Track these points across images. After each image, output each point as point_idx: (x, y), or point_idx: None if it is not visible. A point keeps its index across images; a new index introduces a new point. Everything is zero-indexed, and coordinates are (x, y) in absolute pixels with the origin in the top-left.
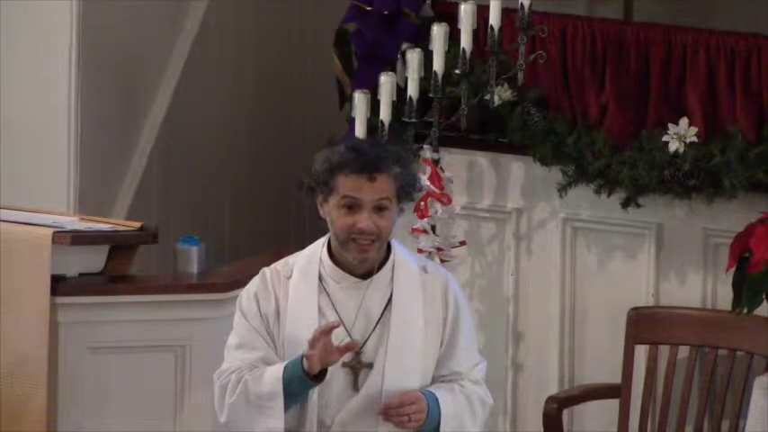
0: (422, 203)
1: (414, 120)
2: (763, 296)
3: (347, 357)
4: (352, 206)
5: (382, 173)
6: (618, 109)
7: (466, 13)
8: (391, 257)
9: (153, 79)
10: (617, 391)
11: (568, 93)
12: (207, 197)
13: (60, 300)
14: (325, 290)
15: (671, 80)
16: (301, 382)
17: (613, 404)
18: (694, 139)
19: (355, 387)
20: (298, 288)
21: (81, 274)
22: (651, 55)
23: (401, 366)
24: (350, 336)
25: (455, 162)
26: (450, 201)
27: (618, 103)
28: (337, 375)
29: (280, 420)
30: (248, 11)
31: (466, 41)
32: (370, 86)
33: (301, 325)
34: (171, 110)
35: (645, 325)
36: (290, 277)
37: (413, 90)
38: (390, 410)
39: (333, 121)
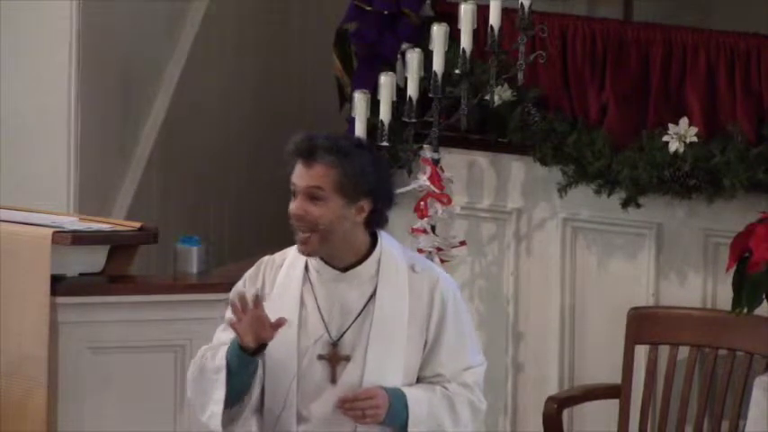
0: (422, 203)
1: (414, 120)
2: (763, 296)
3: (324, 350)
4: (294, 193)
5: (317, 161)
6: (618, 109)
7: (466, 13)
8: (376, 252)
9: (153, 79)
10: (617, 391)
11: (568, 93)
12: (207, 197)
13: (60, 300)
14: (309, 280)
15: (671, 80)
16: (238, 357)
17: (613, 404)
18: (694, 139)
19: (333, 380)
20: (285, 276)
21: (81, 274)
22: (651, 55)
23: (382, 362)
24: (326, 328)
25: (455, 162)
26: (450, 201)
27: (618, 103)
28: (315, 367)
29: (221, 392)
30: (248, 11)
31: (466, 41)
32: (370, 86)
33: (282, 312)
34: (171, 110)
35: (645, 325)
36: (281, 265)
37: (413, 90)
38: (345, 404)
39: (333, 121)
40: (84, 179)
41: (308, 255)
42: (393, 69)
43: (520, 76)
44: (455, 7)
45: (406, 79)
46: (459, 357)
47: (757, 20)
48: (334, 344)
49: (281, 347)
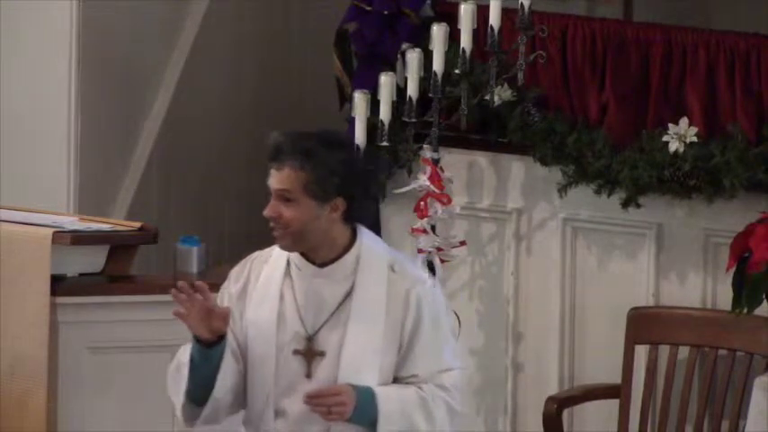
0: (422, 203)
1: (414, 120)
2: (763, 296)
3: (300, 345)
4: (270, 194)
5: (284, 164)
6: (618, 109)
7: (466, 13)
8: (354, 249)
9: (153, 79)
10: (617, 391)
11: (568, 93)
12: (207, 197)
13: (60, 300)
14: (290, 275)
15: (671, 80)
16: (198, 350)
17: (613, 404)
18: (694, 139)
19: (308, 375)
20: (268, 271)
21: (81, 274)
22: (651, 55)
23: (357, 359)
24: (303, 323)
25: (455, 162)
26: (450, 201)
27: (618, 102)
28: (291, 362)
29: (184, 386)
30: (248, 11)
31: (466, 41)
32: (370, 86)
33: (263, 307)
34: (171, 110)
35: (645, 325)
36: (267, 261)
37: (413, 90)
38: (311, 400)
39: (333, 121)
40: (84, 179)
41: (285, 250)
42: (393, 69)
43: (520, 76)
44: (455, 7)
45: (406, 79)
46: (436, 359)
47: (757, 20)
48: (310, 339)
49: (261, 343)
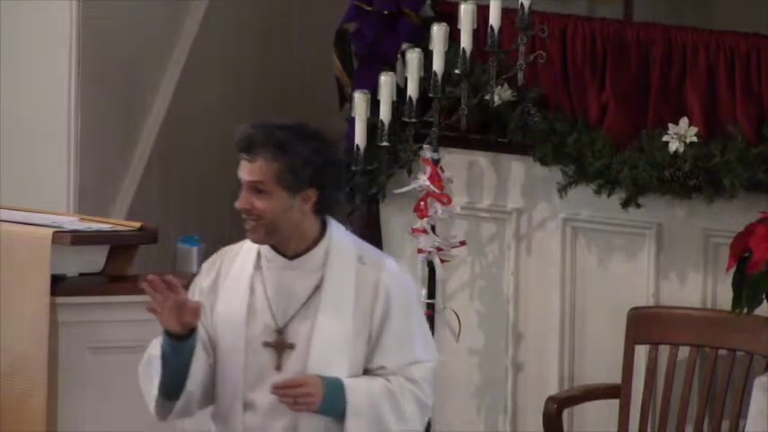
0: (422, 203)
1: (414, 120)
2: (763, 296)
3: (270, 337)
4: (241, 186)
5: (256, 155)
6: (618, 109)
7: (466, 13)
8: (324, 241)
9: (153, 79)
10: (617, 391)
11: (568, 93)
12: (207, 197)
13: (60, 300)
14: (260, 267)
15: (671, 80)
16: (168, 343)
17: (613, 404)
18: (694, 139)
19: (278, 367)
20: (239, 264)
21: (81, 274)
22: (651, 55)
23: (326, 351)
24: (273, 315)
25: (455, 162)
26: (450, 201)
27: (618, 103)
28: (261, 354)
29: (156, 380)
30: (248, 11)
31: (466, 41)
32: (370, 86)
33: (233, 299)
34: (171, 110)
35: (645, 325)
36: (238, 254)
37: (413, 90)
38: (278, 390)
39: (333, 121)
40: (84, 179)
41: (257, 243)
42: (393, 69)
43: (520, 76)
44: (455, 7)
45: (406, 79)
46: (405, 351)
47: (757, 20)
48: (280, 331)
49: (230, 335)
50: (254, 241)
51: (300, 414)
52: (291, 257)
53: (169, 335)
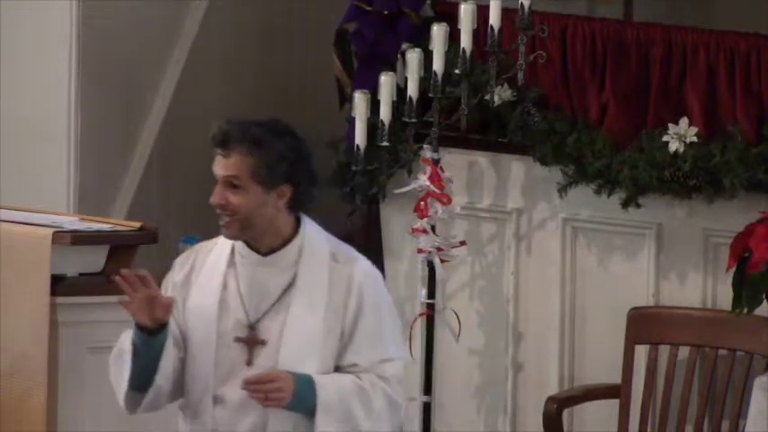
0: (422, 203)
1: (414, 120)
2: (763, 296)
3: (242, 332)
4: (217, 181)
5: (232, 150)
6: (618, 109)
7: (466, 13)
8: (297, 238)
9: (153, 79)
10: (617, 391)
11: (568, 93)
12: (207, 197)
13: (60, 300)
14: (234, 263)
15: (671, 80)
16: (139, 337)
17: (613, 404)
18: (694, 139)
19: (249, 362)
20: (213, 260)
21: (81, 274)
22: (651, 55)
23: (298, 348)
24: (245, 311)
25: (455, 162)
26: (450, 201)
27: (618, 103)
28: (232, 350)
29: (126, 373)
30: (248, 11)
31: (466, 41)
32: (370, 86)
33: (205, 294)
34: (171, 110)
35: (645, 325)
36: (212, 249)
37: (413, 90)
38: (248, 386)
39: (333, 121)
40: (84, 179)
41: (231, 239)
42: (393, 69)
43: (520, 76)
44: (455, 7)
45: (406, 79)
46: (376, 348)
47: (757, 20)
48: (252, 327)
49: (201, 330)
50: (228, 237)
51: (270, 410)
52: (265, 254)
53: (140, 329)
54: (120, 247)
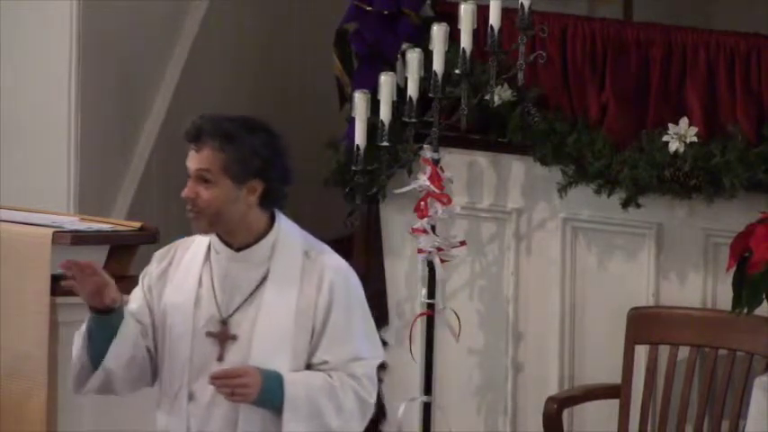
0: (422, 203)
1: (414, 120)
2: (763, 296)
3: (214, 327)
4: (189, 176)
5: (204, 144)
6: (618, 109)
7: (466, 13)
8: (271, 234)
9: (153, 79)
10: (617, 391)
11: (568, 93)
12: None
13: (60, 300)
14: (210, 259)
15: (671, 80)
16: (92, 318)
17: (613, 404)
18: (694, 139)
19: (220, 357)
20: (190, 255)
21: None
22: (651, 55)
23: (269, 344)
24: (218, 306)
25: (455, 162)
26: (450, 201)
27: (618, 103)
28: (205, 345)
29: (76, 352)
30: (248, 10)
31: (466, 41)
32: (370, 86)
33: (182, 290)
34: (171, 110)
35: (645, 325)
36: (190, 247)
37: (413, 90)
38: (216, 380)
39: (333, 121)
40: (84, 179)
41: (201, 233)
42: (393, 69)
43: (520, 76)
44: (455, 7)
45: (406, 79)
46: (347, 346)
47: (757, 20)
48: (224, 322)
49: (178, 326)
50: (198, 230)
51: (241, 406)
52: (238, 249)
53: (93, 309)
54: (120, 247)
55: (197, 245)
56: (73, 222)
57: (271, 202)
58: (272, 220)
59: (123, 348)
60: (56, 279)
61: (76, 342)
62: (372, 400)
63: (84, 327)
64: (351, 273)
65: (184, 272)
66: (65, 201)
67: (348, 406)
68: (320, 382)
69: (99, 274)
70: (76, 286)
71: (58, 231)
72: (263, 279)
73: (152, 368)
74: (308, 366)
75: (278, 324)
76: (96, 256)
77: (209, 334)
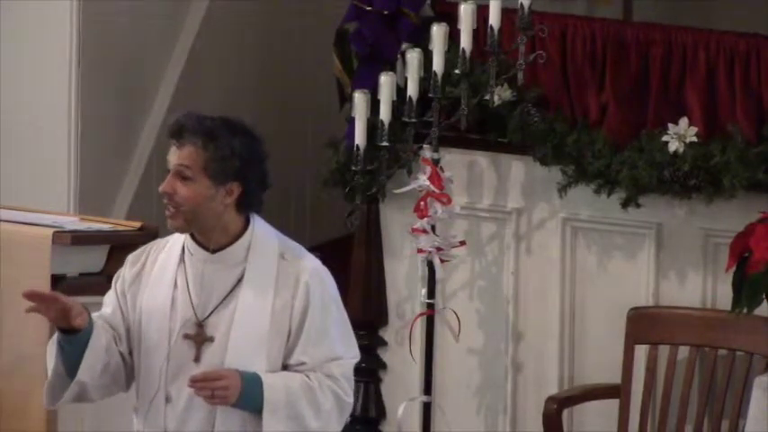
0: (422, 203)
1: (413, 120)
2: (763, 296)
3: (191, 329)
4: (169, 171)
5: (186, 140)
6: (618, 109)
7: (466, 13)
8: (245, 236)
9: (153, 79)
10: (617, 391)
11: (568, 93)
12: None
13: None
14: (184, 261)
15: (671, 80)
16: (59, 336)
17: (613, 404)
18: (694, 139)
19: (196, 359)
20: (164, 257)
21: (81, 274)
22: (651, 55)
23: (245, 345)
24: (193, 308)
25: (455, 162)
26: (450, 201)
27: (618, 103)
28: (181, 347)
29: (50, 364)
30: (249, 10)
31: (466, 41)
32: (370, 86)
33: (157, 293)
34: (171, 110)
35: (645, 325)
36: (164, 247)
37: (413, 90)
38: (195, 384)
39: (333, 121)
40: (84, 179)
41: (176, 230)
42: (393, 69)
43: (520, 76)
44: (455, 7)
45: (406, 79)
46: (324, 347)
47: (757, 20)
48: (200, 324)
49: (154, 329)
50: (174, 228)
51: (218, 409)
52: (214, 251)
53: (60, 329)
54: (120, 247)
55: (171, 247)
56: (73, 222)
57: (247, 205)
58: (248, 222)
59: (95, 360)
60: (56, 279)
61: (50, 352)
62: (350, 399)
63: (54, 338)
64: (326, 274)
65: (159, 274)
66: (65, 201)
67: (326, 406)
68: (299, 384)
69: (61, 301)
70: (42, 311)
71: (57, 231)
72: (239, 281)
73: (126, 373)
74: (285, 367)
75: (254, 326)
76: (96, 256)
77: (185, 336)
